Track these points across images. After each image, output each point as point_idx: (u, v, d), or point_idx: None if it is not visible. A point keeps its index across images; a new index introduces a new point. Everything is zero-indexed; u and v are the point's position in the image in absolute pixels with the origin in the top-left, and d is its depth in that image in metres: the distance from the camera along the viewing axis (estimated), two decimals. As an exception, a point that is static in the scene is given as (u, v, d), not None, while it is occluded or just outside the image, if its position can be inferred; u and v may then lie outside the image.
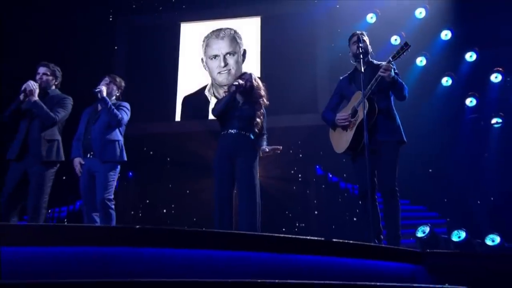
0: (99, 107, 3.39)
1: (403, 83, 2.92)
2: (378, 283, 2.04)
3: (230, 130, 3.14)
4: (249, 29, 6.76)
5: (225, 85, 6.51)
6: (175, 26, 6.96)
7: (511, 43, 5.17)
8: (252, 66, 6.48)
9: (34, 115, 3.17)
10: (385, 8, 5.85)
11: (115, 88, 3.41)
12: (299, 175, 6.29)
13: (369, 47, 3.06)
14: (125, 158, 3.37)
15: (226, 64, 6.64)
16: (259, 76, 6.20)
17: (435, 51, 5.58)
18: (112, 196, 3.28)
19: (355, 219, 5.49)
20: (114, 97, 3.40)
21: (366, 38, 3.07)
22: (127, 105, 3.47)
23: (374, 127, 2.85)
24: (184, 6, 6.85)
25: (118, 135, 3.39)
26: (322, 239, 2.35)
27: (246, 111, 3.19)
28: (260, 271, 1.93)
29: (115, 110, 3.27)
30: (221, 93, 6.57)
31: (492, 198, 5.28)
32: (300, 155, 6.21)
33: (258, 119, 3.19)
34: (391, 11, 5.79)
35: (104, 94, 3.21)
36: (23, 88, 3.15)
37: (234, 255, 1.94)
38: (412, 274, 2.53)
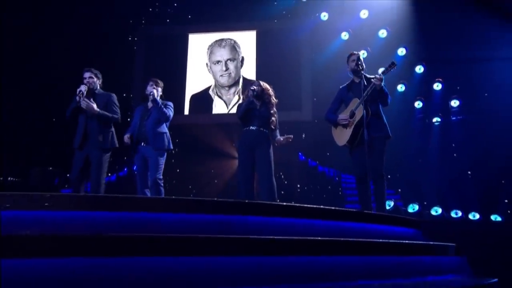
0: (149, 106, 3.91)
1: (388, 93, 3.48)
2: (391, 240, 2.54)
3: (251, 127, 3.67)
4: (246, 40, 7.88)
5: (226, 86, 7.79)
6: (184, 36, 8.05)
7: (449, 60, 6.56)
8: (249, 71, 7.69)
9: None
10: (356, 28, 7.18)
11: (159, 90, 3.95)
12: (286, 160, 7.26)
13: (364, 65, 3.55)
14: (171, 147, 3.88)
15: (227, 69, 7.79)
16: (254, 79, 7.50)
17: None
18: (161, 176, 3.77)
19: (324, 196, 6.80)
20: (159, 97, 3.91)
21: (361, 58, 3.60)
22: (172, 104, 3.97)
23: (368, 126, 3.29)
24: (192, 20, 7.94)
25: (165, 128, 3.90)
26: (353, 210, 2.91)
27: (263, 112, 3.72)
28: (286, 231, 2.23)
29: (164, 109, 3.80)
30: (223, 92, 7.80)
31: (435, 179, 6.57)
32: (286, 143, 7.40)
33: (273, 118, 3.73)
34: (361, 31, 7.12)
35: (156, 96, 3.79)
36: (78, 91, 3.58)
37: (272, 220, 2.30)
38: (413, 235, 3.11)
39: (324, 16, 7.33)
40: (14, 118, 6.22)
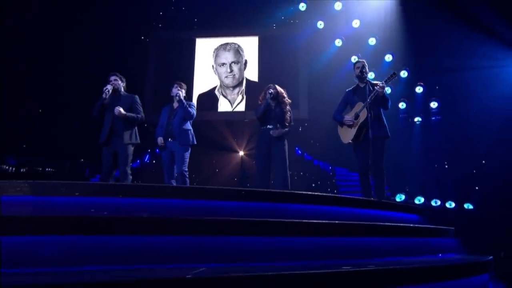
0: (175, 106, 4.23)
1: (389, 98, 3.76)
2: (400, 224, 2.82)
3: (268, 126, 3.97)
4: (249, 45, 8.54)
5: (230, 87, 8.48)
6: (191, 41, 8.69)
7: (430, 67, 7.32)
8: (252, 73, 8.39)
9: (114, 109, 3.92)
10: (348, 36, 7.94)
11: (183, 91, 4.28)
12: None
13: (368, 71, 3.87)
14: (195, 142, 4.15)
15: (231, 70, 8.44)
16: (257, 80, 8.22)
17: (381, 69, 7.62)
18: (187, 169, 4.05)
19: (313, 185, 7.52)
20: (183, 97, 4.21)
21: (366, 65, 3.87)
22: (194, 104, 4.32)
23: (370, 126, 3.58)
24: (199, 25, 8.57)
25: (189, 125, 4.20)
26: (369, 199, 3.19)
27: (278, 112, 4.00)
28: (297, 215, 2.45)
29: (188, 108, 4.11)
30: (228, 92, 8.49)
31: (417, 171, 7.27)
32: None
33: (287, 117, 4.01)
34: (352, 38, 7.88)
35: (182, 97, 4.14)
36: (104, 89, 3.87)
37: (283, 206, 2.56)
38: (418, 220, 3.39)
39: (320, 24, 8.07)
40: (48, 117, 6.76)
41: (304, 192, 2.75)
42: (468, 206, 6.80)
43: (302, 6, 8.11)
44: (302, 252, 2.09)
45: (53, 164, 5.10)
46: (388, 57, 7.70)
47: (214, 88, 8.50)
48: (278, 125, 3.96)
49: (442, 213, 6.50)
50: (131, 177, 3.96)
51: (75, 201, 2.27)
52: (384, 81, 3.63)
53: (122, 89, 4.13)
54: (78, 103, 6.68)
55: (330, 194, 3.02)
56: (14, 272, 1.61)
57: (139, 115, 4.03)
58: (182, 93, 4.22)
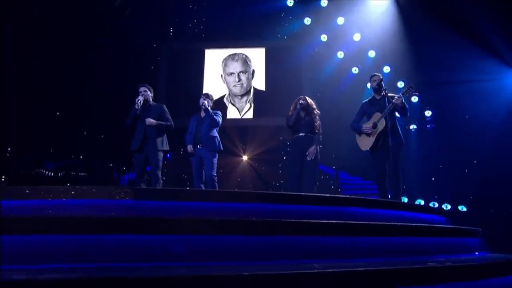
0: (202, 115, 4.50)
1: (408, 108, 4.08)
2: (428, 224, 2.91)
3: (300, 134, 4.28)
4: (257, 56, 9.01)
5: (239, 95, 8.95)
6: (201, 51, 9.12)
7: (426, 78, 7.90)
8: (259, 82, 8.86)
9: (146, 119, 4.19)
10: (350, 48, 8.50)
11: (210, 101, 4.56)
12: (284, 157, 8.44)
13: (383, 84, 4.19)
14: (222, 148, 4.39)
15: (239, 80, 8.90)
16: (264, 89, 8.71)
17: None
18: (216, 173, 4.28)
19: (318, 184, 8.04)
20: (210, 107, 4.48)
21: (382, 79, 4.24)
22: (220, 112, 4.53)
23: (388, 135, 3.90)
24: (208, 37, 8.99)
25: (216, 132, 4.45)
26: (403, 202, 3.68)
27: (308, 121, 4.28)
28: (323, 216, 2.54)
29: (214, 116, 4.36)
30: (236, 100, 8.93)
31: (415, 176, 7.81)
32: (287, 144, 8.55)
33: (317, 125, 4.28)
34: (353, 51, 8.44)
35: (208, 107, 4.42)
36: (136, 100, 4.15)
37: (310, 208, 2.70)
38: (445, 222, 3.56)
39: (324, 37, 8.63)
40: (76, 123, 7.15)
41: (362, 198, 2.98)
42: (462, 208, 7.42)
43: (307, 21, 8.65)
44: (373, 250, 2.36)
45: (85, 168, 5.46)
46: (387, 69, 8.27)
47: (223, 96, 8.94)
48: (309, 134, 4.25)
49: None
50: (162, 181, 4.22)
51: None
52: (402, 94, 4.01)
53: (151, 99, 4.38)
54: (94, 109, 7.04)
55: (389, 200, 3.26)
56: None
57: (168, 123, 4.29)
58: (209, 103, 4.49)
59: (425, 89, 7.93)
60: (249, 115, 8.78)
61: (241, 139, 8.72)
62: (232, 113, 8.89)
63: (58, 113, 7.41)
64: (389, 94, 4.11)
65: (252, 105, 8.79)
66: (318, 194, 3.08)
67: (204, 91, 8.85)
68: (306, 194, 3.12)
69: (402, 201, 4.06)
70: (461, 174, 7.43)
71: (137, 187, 4.01)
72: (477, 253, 3.23)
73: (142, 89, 4.32)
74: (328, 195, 3.11)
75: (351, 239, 2.34)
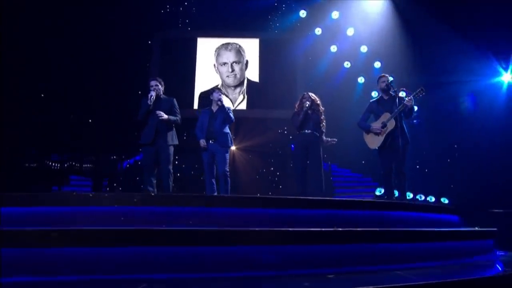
0: (214, 109, 4.52)
1: (415, 110, 4.27)
2: (443, 229, 3.01)
3: (306, 131, 4.31)
4: (250, 46, 8.92)
5: (232, 86, 8.87)
6: (193, 40, 8.92)
7: (414, 73, 8.15)
8: (253, 73, 8.81)
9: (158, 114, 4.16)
10: (343, 43, 8.60)
11: (222, 97, 4.64)
12: (279, 151, 8.69)
13: (393, 85, 4.29)
14: (233, 144, 4.57)
15: (232, 70, 8.81)
16: (258, 81, 8.69)
17: (371, 74, 8.32)
18: (228, 169, 4.34)
19: None
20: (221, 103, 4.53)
21: (390, 80, 4.31)
22: (231, 108, 4.73)
23: (396, 135, 4.04)
24: (201, 25, 8.83)
25: (228, 129, 4.51)
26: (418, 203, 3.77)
27: (314, 119, 4.35)
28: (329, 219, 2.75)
29: (230, 113, 4.42)
30: (229, 91, 8.85)
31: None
32: (281, 137, 8.70)
33: (323, 123, 4.38)
34: (346, 46, 8.54)
35: (224, 103, 4.53)
36: (149, 96, 4.12)
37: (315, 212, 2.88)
38: (459, 222, 3.73)
39: (318, 31, 8.67)
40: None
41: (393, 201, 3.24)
42: (444, 200, 7.77)
43: (303, 13, 8.66)
44: (405, 255, 2.58)
45: (89, 160, 5.33)
46: (377, 64, 8.45)
47: (216, 87, 8.81)
48: (314, 132, 4.34)
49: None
50: (172, 176, 4.20)
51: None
52: (413, 96, 4.08)
53: (162, 93, 4.34)
54: (93, 102, 6.88)
55: (417, 202, 3.43)
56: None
57: (177, 118, 4.28)
58: (223, 98, 4.52)
59: (415, 86, 8.14)
60: (243, 106, 8.75)
61: (234, 130, 8.67)
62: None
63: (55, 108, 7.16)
64: (400, 95, 4.24)
65: (246, 96, 8.77)
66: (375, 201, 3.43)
67: (197, 81, 8.86)
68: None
69: (418, 200, 4.08)
70: (445, 165, 7.76)
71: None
72: (497, 252, 3.39)
73: (153, 83, 4.25)
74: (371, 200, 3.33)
75: (408, 245, 2.59)
